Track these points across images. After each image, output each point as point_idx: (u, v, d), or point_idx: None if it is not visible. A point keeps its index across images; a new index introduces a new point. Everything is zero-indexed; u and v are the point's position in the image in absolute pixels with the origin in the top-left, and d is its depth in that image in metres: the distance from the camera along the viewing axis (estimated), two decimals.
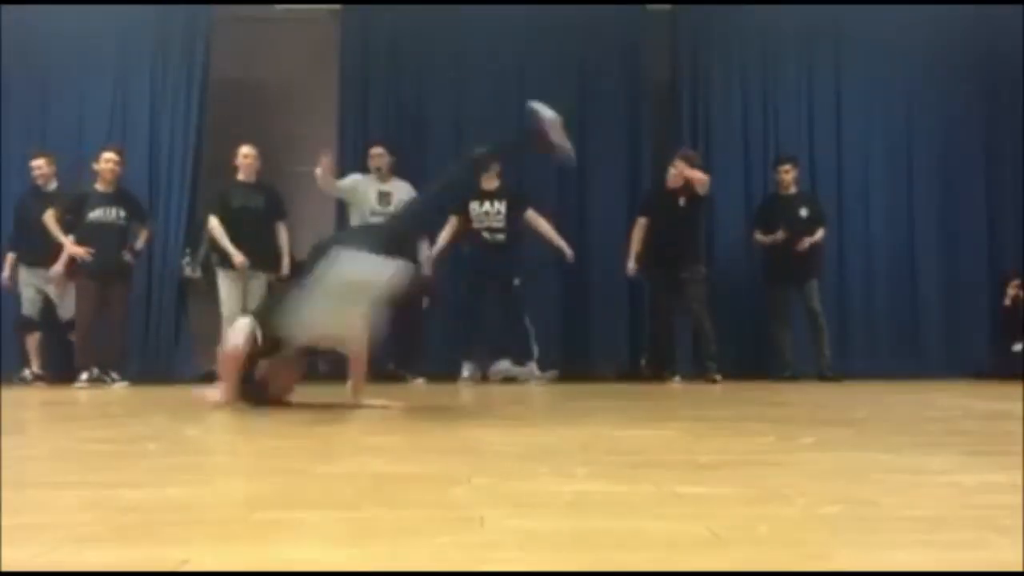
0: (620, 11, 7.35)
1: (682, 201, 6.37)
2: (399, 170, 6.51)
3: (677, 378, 6.24)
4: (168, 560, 0.98)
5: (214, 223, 6.37)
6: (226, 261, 6.33)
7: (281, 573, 0.94)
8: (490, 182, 6.32)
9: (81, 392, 5.43)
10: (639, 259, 6.49)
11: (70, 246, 6.11)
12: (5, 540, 1.06)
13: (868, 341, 7.24)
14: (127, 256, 6.30)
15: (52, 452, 2.11)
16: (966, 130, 7.53)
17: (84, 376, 5.99)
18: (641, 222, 6.53)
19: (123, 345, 6.37)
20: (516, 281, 6.31)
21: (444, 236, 6.33)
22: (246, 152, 6.44)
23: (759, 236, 6.78)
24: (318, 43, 7.50)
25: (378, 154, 6.44)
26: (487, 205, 6.31)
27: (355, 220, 6.31)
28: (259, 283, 6.39)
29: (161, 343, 6.82)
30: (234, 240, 6.32)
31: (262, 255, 6.36)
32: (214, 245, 6.39)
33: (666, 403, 4.00)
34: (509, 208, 6.31)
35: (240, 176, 6.46)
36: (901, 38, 7.49)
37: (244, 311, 6.32)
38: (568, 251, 6.43)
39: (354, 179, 6.42)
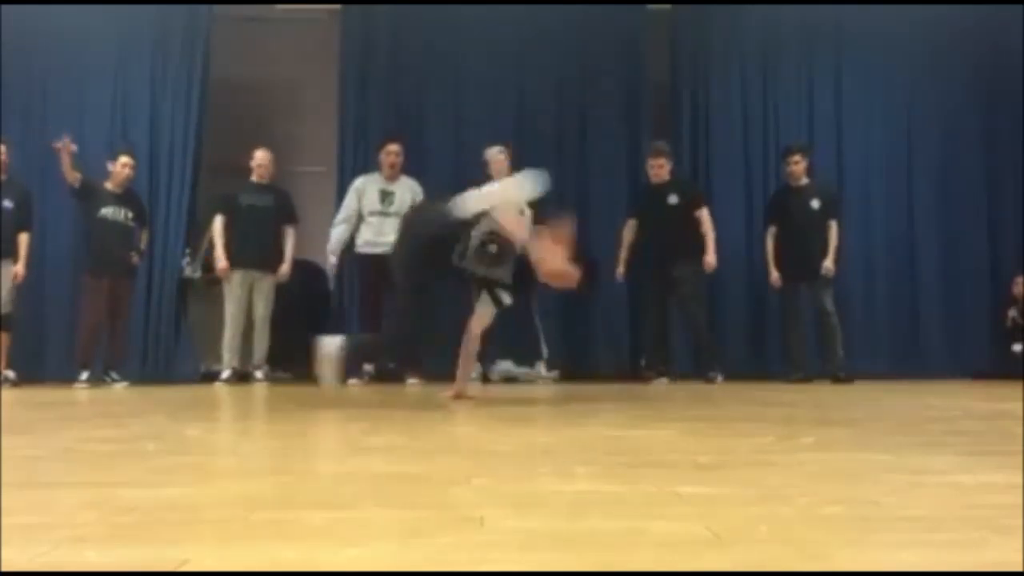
0: (620, 11, 7.36)
1: (672, 199, 6.37)
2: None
3: (664, 380, 6.19)
4: (168, 560, 0.98)
5: (217, 224, 6.40)
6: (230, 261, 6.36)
7: (281, 573, 0.94)
8: None
9: (81, 392, 5.43)
10: (626, 263, 6.49)
11: None
12: (5, 540, 1.06)
13: (868, 341, 7.24)
14: (134, 257, 6.32)
15: (52, 452, 2.11)
16: (966, 130, 7.53)
17: (84, 376, 6.00)
18: (630, 223, 6.56)
19: (124, 345, 6.38)
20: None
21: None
22: (260, 159, 6.50)
23: (769, 243, 6.65)
24: (318, 43, 7.50)
25: (395, 151, 6.34)
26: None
27: (352, 219, 6.28)
28: (266, 284, 6.40)
29: (161, 343, 6.82)
30: (241, 238, 6.34)
31: (269, 255, 6.38)
32: (212, 246, 6.41)
33: (666, 403, 3.99)
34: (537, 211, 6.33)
35: (253, 178, 6.53)
36: (901, 38, 7.50)
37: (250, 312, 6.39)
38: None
39: (360, 183, 6.36)
